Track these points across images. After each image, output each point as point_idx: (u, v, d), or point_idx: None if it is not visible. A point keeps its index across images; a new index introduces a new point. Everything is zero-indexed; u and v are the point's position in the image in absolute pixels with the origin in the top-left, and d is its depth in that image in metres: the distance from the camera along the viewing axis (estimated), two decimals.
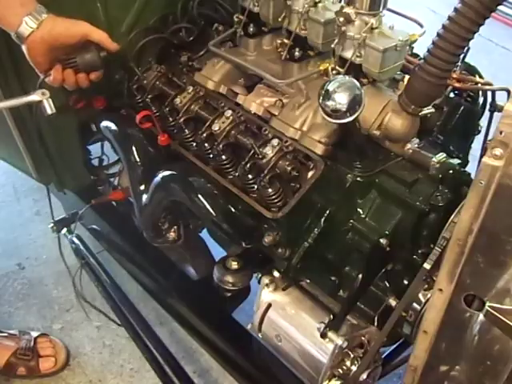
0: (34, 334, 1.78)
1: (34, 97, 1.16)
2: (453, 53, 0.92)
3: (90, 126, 1.57)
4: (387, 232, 1.07)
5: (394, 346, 1.30)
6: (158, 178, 1.27)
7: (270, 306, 1.20)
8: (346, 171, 1.09)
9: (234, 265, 1.26)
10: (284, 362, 1.29)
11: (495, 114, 1.22)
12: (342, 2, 1.15)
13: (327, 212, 1.09)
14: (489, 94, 1.23)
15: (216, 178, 1.21)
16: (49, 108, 1.17)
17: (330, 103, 0.95)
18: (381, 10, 1.08)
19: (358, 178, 1.09)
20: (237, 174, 1.17)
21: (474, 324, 0.81)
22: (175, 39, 1.42)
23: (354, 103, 0.95)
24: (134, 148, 1.37)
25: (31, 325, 1.89)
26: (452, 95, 1.25)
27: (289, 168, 1.09)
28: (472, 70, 1.21)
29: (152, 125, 1.32)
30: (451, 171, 1.05)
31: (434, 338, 0.87)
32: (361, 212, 1.10)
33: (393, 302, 1.10)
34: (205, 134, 1.22)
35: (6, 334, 1.77)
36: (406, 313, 1.06)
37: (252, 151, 1.12)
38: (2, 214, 2.32)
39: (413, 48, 1.23)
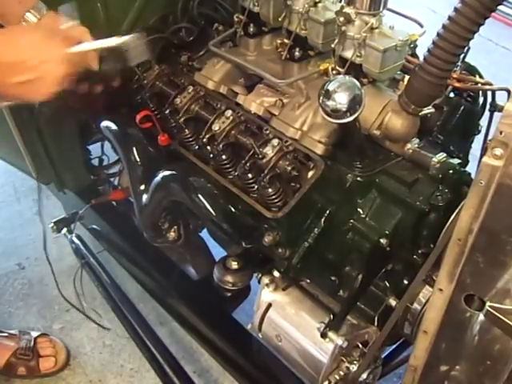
0: (34, 333, 1.79)
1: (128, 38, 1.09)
2: (453, 53, 0.92)
3: (90, 126, 1.57)
4: (387, 232, 1.07)
5: (394, 346, 1.30)
6: (158, 178, 1.27)
7: (270, 305, 1.20)
8: (346, 171, 1.09)
9: (234, 265, 1.26)
10: (284, 361, 1.29)
11: (495, 113, 1.22)
12: (342, 2, 1.15)
13: (327, 212, 1.09)
14: (489, 93, 1.23)
15: (216, 177, 1.21)
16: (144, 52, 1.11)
17: (330, 103, 0.95)
18: (381, 9, 1.09)
19: (358, 178, 1.09)
20: (237, 173, 1.17)
21: (474, 324, 0.81)
22: (175, 39, 1.42)
23: (354, 103, 0.95)
24: (134, 148, 1.37)
25: (31, 325, 1.89)
26: (452, 95, 1.25)
27: (289, 168, 1.09)
28: (472, 70, 1.21)
29: (152, 125, 1.32)
30: (451, 171, 1.05)
31: (434, 337, 0.87)
32: (361, 212, 1.10)
33: (393, 302, 1.10)
34: (205, 134, 1.22)
35: (6, 334, 1.77)
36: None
37: (252, 151, 1.12)
38: (2, 214, 2.32)
39: (416, 46, 1.22)
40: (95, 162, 1.76)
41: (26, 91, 0.94)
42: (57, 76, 0.94)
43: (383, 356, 1.23)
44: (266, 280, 1.19)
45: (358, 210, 1.10)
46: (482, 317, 0.79)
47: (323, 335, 1.10)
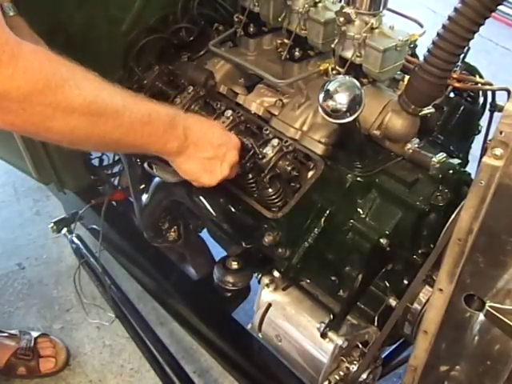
0: (35, 334, 1.79)
1: None
2: (453, 53, 0.92)
3: None
4: (387, 232, 1.07)
5: (394, 346, 1.30)
6: (158, 178, 1.27)
7: (270, 305, 1.20)
8: (346, 171, 1.09)
9: (234, 265, 1.26)
10: (284, 361, 1.29)
11: (495, 113, 1.22)
12: (342, 2, 1.15)
13: (327, 212, 1.09)
14: (489, 93, 1.23)
15: None
16: None
17: (330, 103, 0.95)
18: (381, 9, 1.08)
19: (358, 178, 1.09)
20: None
21: (474, 324, 0.81)
22: (175, 39, 1.42)
23: (354, 103, 0.94)
24: None
25: (31, 325, 1.89)
26: (452, 95, 1.25)
27: (289, 168, 1.09)
28: (472, 70, 1.21)
29: None
30: (451, 171, 1.05)
31: (434, 337, 0.87)
32: (361, 212, 1.10)
33: (393, 302, 1.10)
34: None
35: (6, 334, 1.77)
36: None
37: (252, 151, 1.12)
38: (2, 214, 2.32)
39: (416, 46, 1.22)
40: (95, 162, 1.76)
41: (203, 168, 1.03)
42: (232, 161, 1.04)
43: (383, 356, 1.23)
44: (266, 280, 1.19)
45: (358, 210, 1.10)
46: (481, 317, 0.79)
47: (323, 335, 1.10)
